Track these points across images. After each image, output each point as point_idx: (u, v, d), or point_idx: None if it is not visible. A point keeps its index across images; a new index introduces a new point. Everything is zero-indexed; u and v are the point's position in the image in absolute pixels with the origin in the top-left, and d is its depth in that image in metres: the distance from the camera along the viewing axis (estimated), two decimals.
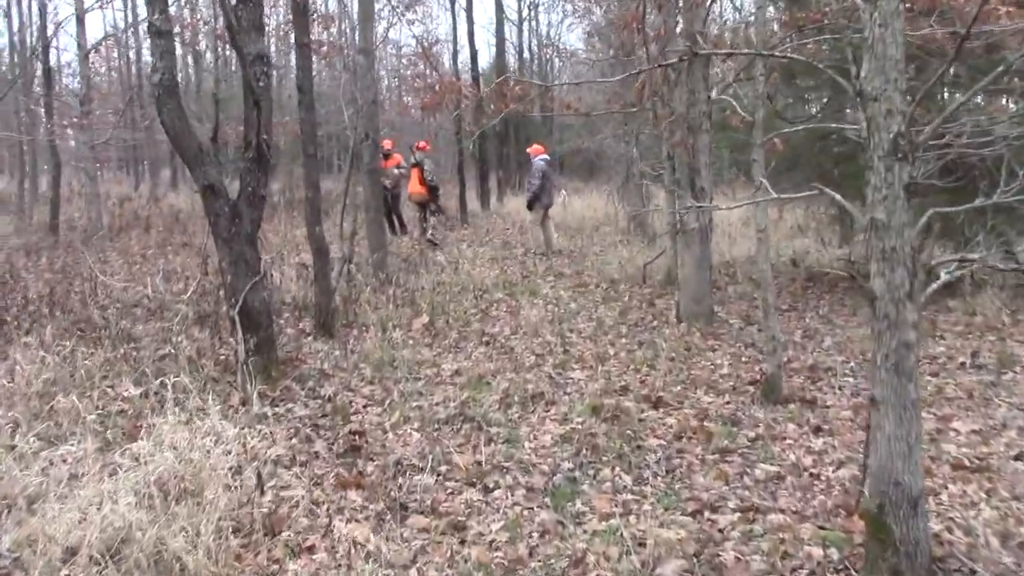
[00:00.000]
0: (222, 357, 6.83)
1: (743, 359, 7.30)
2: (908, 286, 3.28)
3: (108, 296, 9.61)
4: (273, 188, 23.70)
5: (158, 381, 5.56)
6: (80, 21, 15.73)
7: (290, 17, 21.54)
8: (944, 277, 3.61)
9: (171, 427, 4.55)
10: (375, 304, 9.00)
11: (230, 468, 4.44)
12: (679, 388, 6.39)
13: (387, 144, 15.86)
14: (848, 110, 11.38)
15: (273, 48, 24.29)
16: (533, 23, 34.80)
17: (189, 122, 6.32)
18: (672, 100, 8.22)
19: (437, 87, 8.90)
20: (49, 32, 16.57)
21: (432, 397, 6.19)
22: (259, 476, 4.41)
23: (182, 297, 8.11)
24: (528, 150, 15.23)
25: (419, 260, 11.85)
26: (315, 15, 20.77)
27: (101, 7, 16.74)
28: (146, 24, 6.34)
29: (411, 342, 7.80)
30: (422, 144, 15.63)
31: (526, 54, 33.59)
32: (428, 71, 21.48)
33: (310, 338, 7.87)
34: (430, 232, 15.12)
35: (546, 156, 14.65)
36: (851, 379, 6.63)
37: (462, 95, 8.53)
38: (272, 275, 9.70)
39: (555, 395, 6.28)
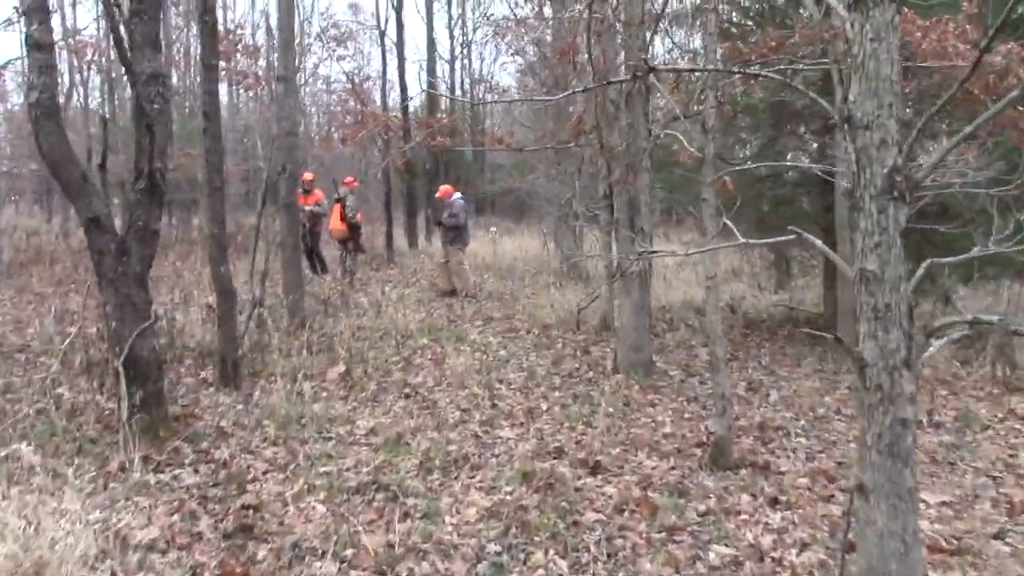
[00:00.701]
0: (106, 412, 6.01)
1: (686, 415, 6.73)
2: (905, 351, 2.73)
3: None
4: (193, 223, 22.73)
5: (16, 446, 4.77)
6: None
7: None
8: (942, 340, 3.06)
9: (17, 506, 3.78)
10: (287, 351, 8.25)
11: (90, 557, 3.68)
12: (618, 450, 5.77)
13: (308, 176, 15.14)
14: (794, 152, 11.06)
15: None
16: (465, 61, 34.42)
17: (71, 147, 5.57)
18: (611, 136, 7.69)
19: (360, 116, 8.28)
20: None
21: (343, 461, 5.47)
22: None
23: (61, 345, 7.21)
24: (438, 193, 14.58)
25: (339, 302, 11.09)
26: (239, 42, 20.01)
27: (8, 25, 15.75)
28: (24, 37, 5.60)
29: (324, 394, 7.07)
30: (348, 180, 14.93)
31: (458, 92, 33.12)
32: (357, 106, 20.85)
33: (211, 389, 7.07)
34: (349, 270, 14.40)
35: (459, 195, 14.10)
36: (803, 439, 6.10)
37: (386, 126, 7.96)
38: (174, 318, 8.90)
39: (482, 458, 5.62)
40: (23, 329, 9.12)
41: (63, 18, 25.65)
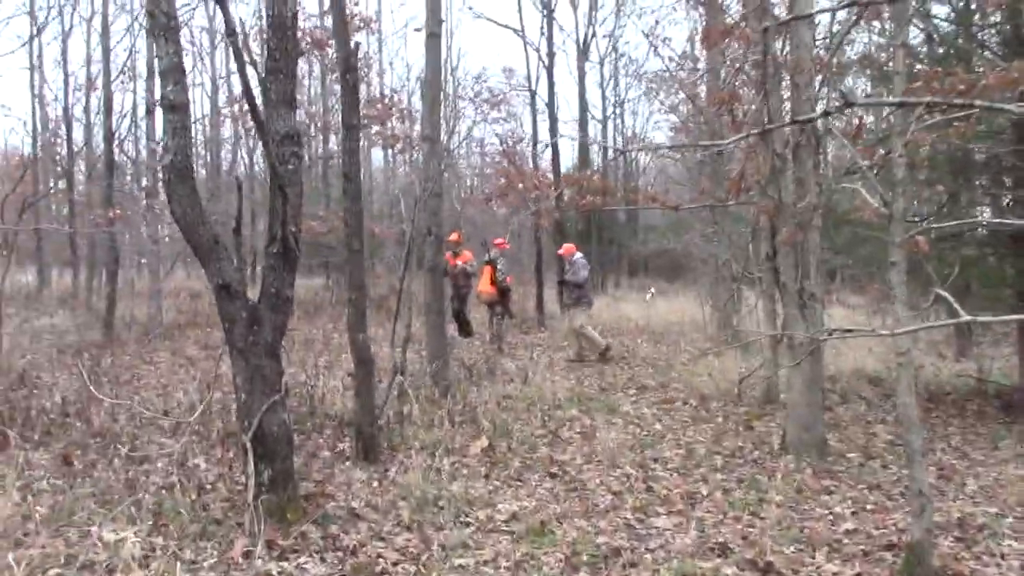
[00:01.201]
0: (237, 490, 5.72)
1: (868, 507, 5.89)
2: None
3: (143, 403, 8.72)
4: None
5: (139, 525, 4.48)
6: (150, 113, 15.42)
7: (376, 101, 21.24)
8: None
9: None
10: (428, 422, 7.85)
11: None
12: (792, 549, 5.02)
13: (454, 237, 14.96)
14: (981, 207, 10.06)
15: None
16: (618, 121, 34.12)
17: (203, 210, 5.37)
18: (778, 191, 7.02)
19: (508, 176, 7.92)
20: (115, 123, 16.23)
21: (481, 552, 4.95)
22: None
23: (188, 418, 7.00)
24: (560, 250, 14.25)
25: (485, 369, 10.68)
26: (393, 106, 20.29)
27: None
28: (159, 98, 5.47)
29: (465, 471, 6.60)
30: (499, 241, 14.66)
31: (610, 153, 32.78)
32: (509, 167, 20.75)
33: (347, 463, 6.72)
34: (497, 335, 14.05)
35: (581, 254, 13.58)
36: (1014, 543, 5.18)
37: (535, 184, 7.57)
38: (315, 385, 8.67)
39: (635, 552, 4.98)
40: (170, 394, 9.09)
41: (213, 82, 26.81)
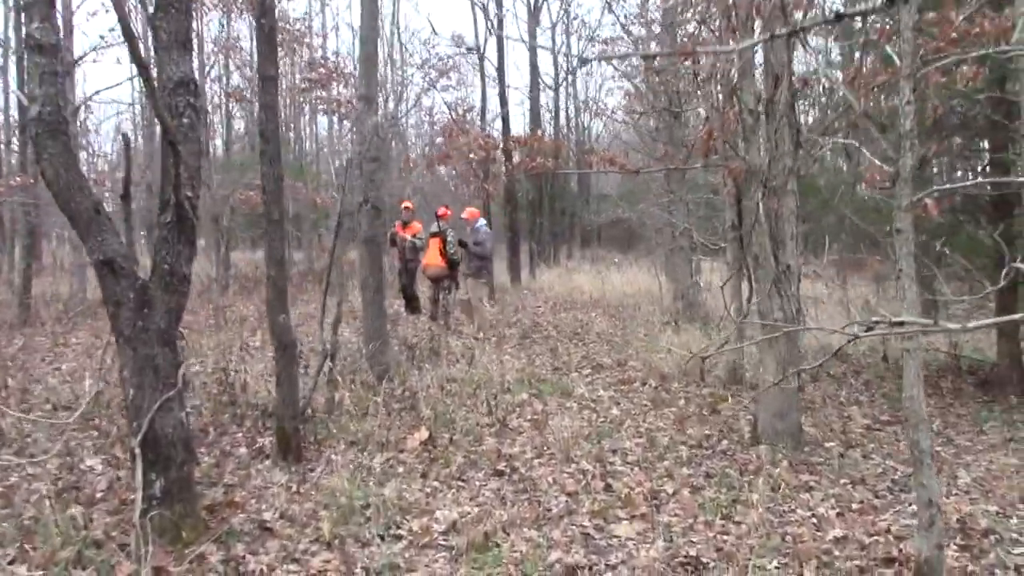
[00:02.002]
0: (129, 500, 4.88)
1: (854, 506, 5.23)
2: None
3: (46, 392, 7.82)
4: (295, 257, 21.99)
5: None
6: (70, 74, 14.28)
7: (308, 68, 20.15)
8: None
9: None
10: (363, 411, 7.05)
11: None
12: (775, 564, 4.32)
13: (408, 205, 14.15)
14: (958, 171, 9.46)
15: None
16: (570, 88, 33.28)
17: (81, 173, 4.50)
18: (748, 153, 6.30)
19: (450, 132, 7.11)
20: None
21: (412, 575, 4.20)
22: None
23: (80, 412, 6.09)
24: (464, 214, 13.45)
25: (427, 350, 9.87)
26: (335, 70, 19.29)
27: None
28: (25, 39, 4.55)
29: (400, 469, 5.83)
30: (441, 211, 13.81)
31: (562, 120, 32.00)
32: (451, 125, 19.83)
33: (267, 462, 5.91)
34: (443, 310, 13.25)
35: (485, 221, 12.86)
36: None
37: (480, 144, 6.78)
38: (242, 370, 7.83)
39: (593, 570, 4.27)
40: (78, 382, 8.17)
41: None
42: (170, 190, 4.53)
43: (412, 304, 14.21)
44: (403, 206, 14.29)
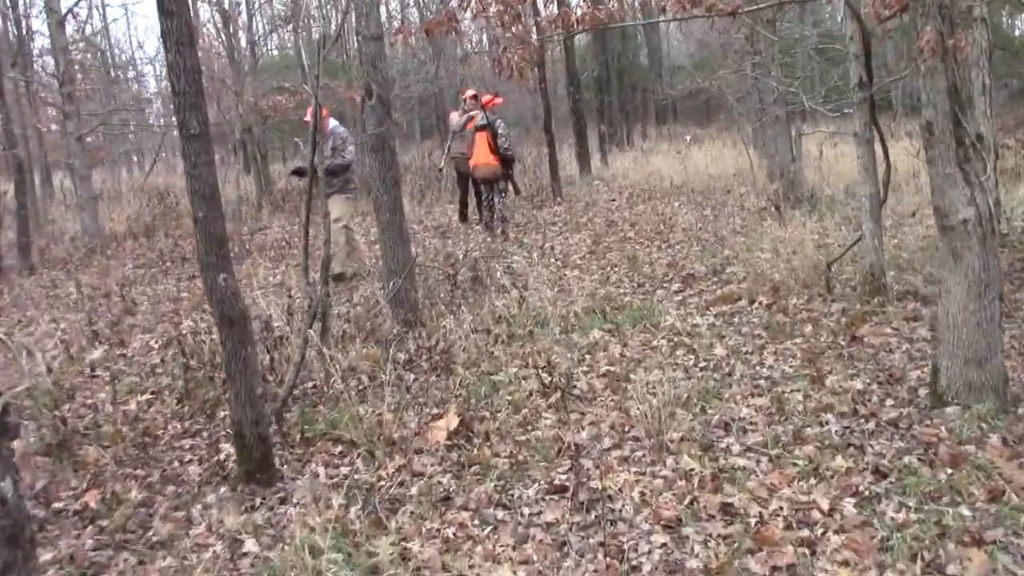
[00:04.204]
0: None
1: None
2: None
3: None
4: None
5: None
6: None
7: None
8: None
9: None
10: (372, 387, 5.17)
11: None
12: None
13: (474, 94, 12.10)
14: None
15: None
16: None
17: None
18: None
19: None
20: None
21: None
22: None
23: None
24: (307, 117, 8.87)
25: (472, 277, 7.83)
26: None
27: None
28: None
29: (412, 491, 3.95)
30: (489, 99, 11.67)
31: None
32: None
33: (225, 488, 4.09)
34: (500, 217, 11.26)
35: (336, 121, 9.36)
36: None
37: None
38: (202, 339, 5.98)
39: None
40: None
41: None
42: None
43: (461, 211, 12.27)
44: (467, 96, 12.18)
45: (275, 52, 31.92)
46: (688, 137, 20.44)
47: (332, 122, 9.03)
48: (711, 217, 11.17)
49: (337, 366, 5.07)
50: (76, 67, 15.73)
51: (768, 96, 12.04)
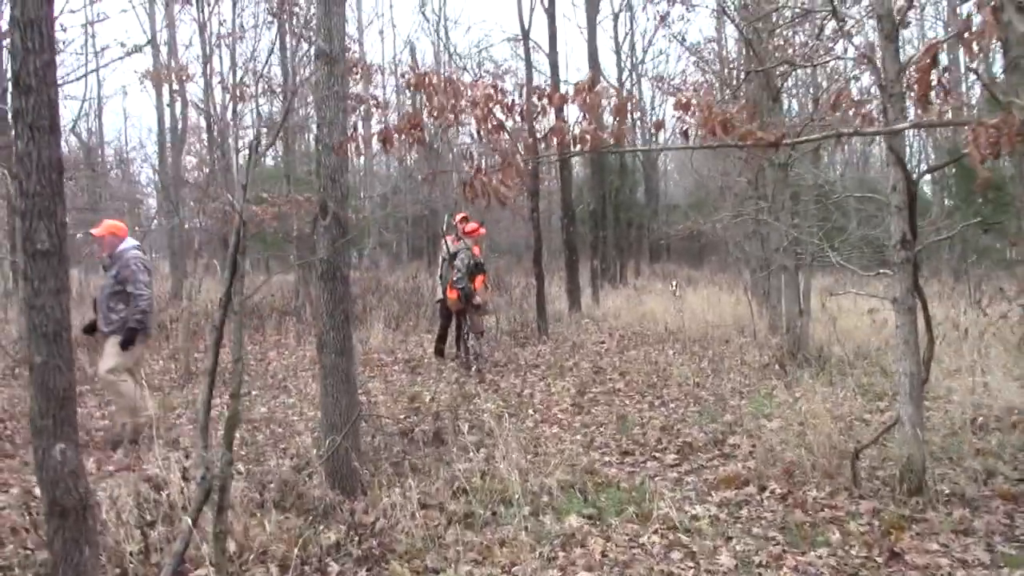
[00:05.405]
0: None
1: None
2: None
3: None
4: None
5: None
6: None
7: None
8: None
9: None
10: None
11: None
12: None
13: (466, 217, 11.18)
14: None
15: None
16: (635, 88, 29.91)
17: None
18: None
19: (413, 80, 4.03)
20: None
21: None
22: None
23: None
24: (95, 230, 7.53)
25: (432, 432, 6.67)
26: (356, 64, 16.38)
27: None
28: None
29: None
30: (474, 227, 10.77)
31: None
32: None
33: None
34: (474, 354, 10.26)
35: (135, 243, 7.60)
36: None
37: (486, 97, 3.74)
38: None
39: None
40: None
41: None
42: None
43: (436, 344, 11.20)
44: (457, 220, 11.13)
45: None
46: (675, 283, 19.46)
47: (127, 242, 7.35)
48: (709, 371, 10.10)
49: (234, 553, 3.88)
50: None
51: (773, 243, 11.18)
